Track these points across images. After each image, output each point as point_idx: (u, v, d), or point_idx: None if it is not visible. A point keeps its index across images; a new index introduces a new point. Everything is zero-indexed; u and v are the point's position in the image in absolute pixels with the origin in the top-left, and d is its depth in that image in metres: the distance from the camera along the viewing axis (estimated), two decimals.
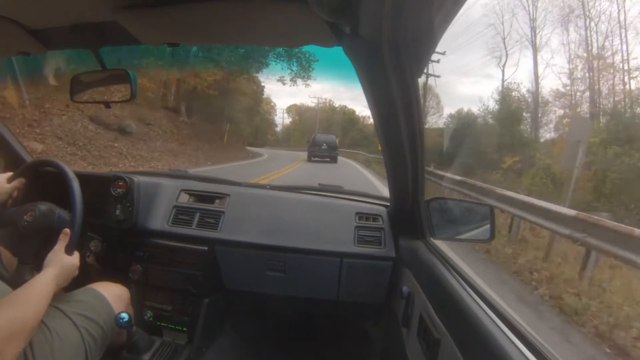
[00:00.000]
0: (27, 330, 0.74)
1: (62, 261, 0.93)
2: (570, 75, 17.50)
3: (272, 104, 43.39)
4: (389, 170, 1.07)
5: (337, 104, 42.16)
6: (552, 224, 4.00)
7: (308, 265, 1.31)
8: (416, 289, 0.99)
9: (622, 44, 15.80)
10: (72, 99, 1.04)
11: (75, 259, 0.98)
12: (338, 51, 0.67)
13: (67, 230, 0.99)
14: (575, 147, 5.51)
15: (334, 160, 15.87)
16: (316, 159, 15.60)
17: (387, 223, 1.34)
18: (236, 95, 17.29)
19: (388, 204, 1.39)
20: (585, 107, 17.00)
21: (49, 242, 0.98)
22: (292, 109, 47.83)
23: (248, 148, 21.20)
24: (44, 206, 1.06)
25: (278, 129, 45.71)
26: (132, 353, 1.16)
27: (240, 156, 15.04)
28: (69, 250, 0.97)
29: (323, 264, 1.31)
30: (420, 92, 0.75)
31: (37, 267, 0.96)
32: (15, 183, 1.12)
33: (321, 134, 18.95)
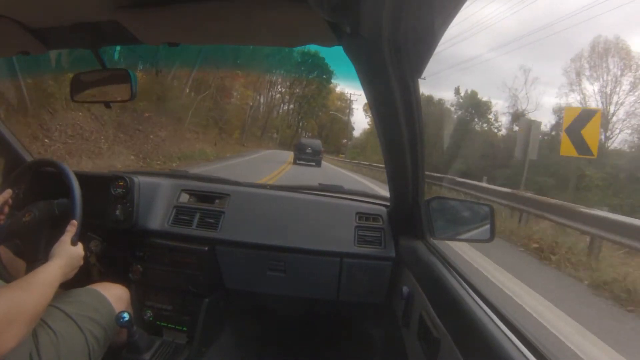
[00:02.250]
0: (28, 315, 0.73)
1: (68, 251, 0.92)
2: None
3: (349, 101, 31.88)
4: (389, 170, 1.07)
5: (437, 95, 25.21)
6: None
7: (308, 265, 1.31)
8: (416, 289, 0.99)
9: None
10: (72, 98, 1.04)
11: (80, 249, 0.97)
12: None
13: (74, 222, 0.98)
14: None
15: (318, 164, 16.73)
16: (301, 162, 16.45)
17: (387, 223, 1.34)
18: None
19: (388, 204, 1.39)
20: None
21: (54, 233, 0.98)
22: None
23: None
24: (41, 203, 1.05)
25: (357, 133, 33.34)
26: (132, 352, 1.16)
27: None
28: (73, 241, 0.96)
29: (323, 264, 1.31)
30: None
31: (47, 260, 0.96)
32: (4, 195, 1.04)
33: (306, 138, 20.21)
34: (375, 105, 0.79)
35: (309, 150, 16.90)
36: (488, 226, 1.14)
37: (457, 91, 25.03)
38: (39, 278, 0.81)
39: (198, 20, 0.71)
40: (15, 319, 0.70)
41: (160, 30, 0.78)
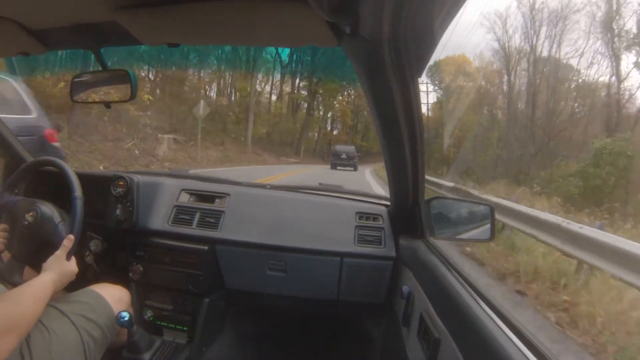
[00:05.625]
0: (21, 327, 0.74)
1: (62, 267, 0.94)
2: None
3: None
4: (389, 170, 1.07)
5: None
6: None
7: (308, 265, 1.32)
8: (416, 288, 0.99)
9: None
10: (72, 99, 1.04)
11: (73, 265, 0.98)
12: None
13: (71, 236, 0.99)
14: None
15: (355, 168, 17.80)
16: (340, 167, 17.51)
17: (388, 223, 1.34)
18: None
19: (388, 203, 1.39)
20: None
21: (45, 248, 0.99)
22: (446, 67, 20.11)
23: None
24: (46, 209, 1.06)
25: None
26: (132, 352, 1.16)
27: None
28: (68, 257, 0.97)
29: (323, 264, 1.31)
30: None
31: (31, 266, 0.96)
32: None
33: (340, 145, 21.25)
34: (376, 105, 0.79)
35: (344, 156, 18.10)
36: (488, 225, 1.14)
37: None
38: (31, 292, 0.82)
39: (198, 20, 0.71)
40: (8, 331, 0.71)
41: (160, 31, 0.78)
